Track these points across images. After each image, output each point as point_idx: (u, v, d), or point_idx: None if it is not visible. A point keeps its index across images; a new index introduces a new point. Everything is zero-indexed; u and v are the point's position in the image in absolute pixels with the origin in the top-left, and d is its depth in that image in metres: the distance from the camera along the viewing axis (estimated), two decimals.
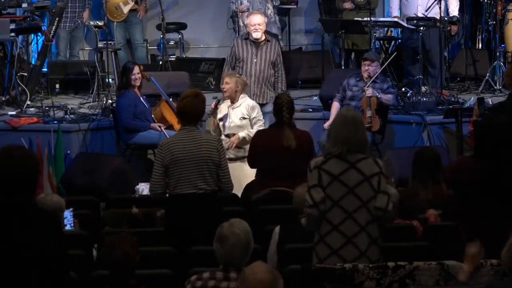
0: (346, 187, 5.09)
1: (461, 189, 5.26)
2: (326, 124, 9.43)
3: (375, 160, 5.18)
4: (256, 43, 9.42)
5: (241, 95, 8.54)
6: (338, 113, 5.37)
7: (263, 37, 9.47)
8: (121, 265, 4.61)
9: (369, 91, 9.17)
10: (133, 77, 9.18)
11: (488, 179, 5.18)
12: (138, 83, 9.23)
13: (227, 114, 8.51)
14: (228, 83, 8.51)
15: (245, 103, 8.51)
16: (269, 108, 8.80)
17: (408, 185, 6.72)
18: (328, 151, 5.15)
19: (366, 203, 5.09)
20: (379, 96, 9.18)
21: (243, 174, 7.99)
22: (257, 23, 9.37)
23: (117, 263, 4.62)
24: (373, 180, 5.10)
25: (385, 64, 9.89)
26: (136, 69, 9.24)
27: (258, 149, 7.41)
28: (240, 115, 8.43)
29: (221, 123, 8.52)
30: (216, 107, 8.52)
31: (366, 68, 9.32)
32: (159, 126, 9.15)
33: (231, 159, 7.97)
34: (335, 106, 9.49)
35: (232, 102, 8.53)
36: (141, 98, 9.30)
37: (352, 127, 5.13)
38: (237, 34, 10.89)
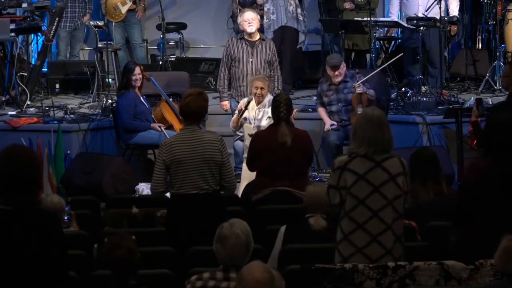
0: (371, 186, 5.10)
1: (479, 191, 5.22)
2: (328, 126, 9.42)
3: (400, 159, 5.19)
4: (251, 42, 9.42)
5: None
6: (363, 114, 5.35)
7: (258, 35, 9.48)
8: (126, 263, 4.61)
9: (359, 88, 9.16)
10: (133, 77, 9.18)
11: (499, 177, 5.17)
12: (138, 84, 9.23)
13: (253, 115, 8.55)
14: (263, 88, 8.57)
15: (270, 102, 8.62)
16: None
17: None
18: (353, 151, 5.15)
19: (391, 201, 5.10)
20: (367, 92, 9.20)
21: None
22: (250, 18, 9.40)
23: (122, 261, 4.60)
24: (398, 179, 5.12)
25: (386, 64, 9.86)
26: (138, 70, 9.24)
27: (258, 149, 7.40)
28: (267, 115, 8.45)
29: (245, 122, 8.55)
30: (246, 108, 8.54)
31: (336, 73, 9.31)
32: (159, 126, 9.15)
33: None
34: (322, 110, 9.52)
35: (258, 103, 8.57)
36: (141, 98, 9.30)
37: (378, 127, 5.14)
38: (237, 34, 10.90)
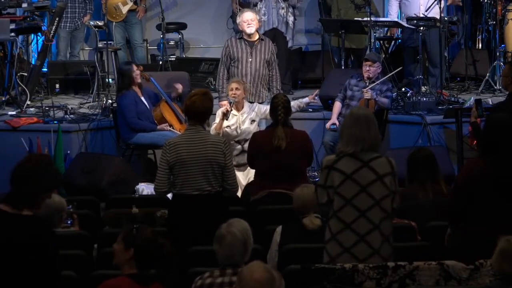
0: (358, 185, 5.11)
1: (473, 191, 5.23)
2: (328, 124, 9.43)
3: (388, 160, 5.20)
4: (250, 42, 9.42)
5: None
6: (350, 113, 5.37)
7: (257, 35, 9.48)
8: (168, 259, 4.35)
9: (368, 94, 9.16)
10: (134, 74, 9.14)
11: (493, 178, 5.18)
12: (139, 80, 9.20)
13: (235, 121, 8.53)
14: (239, 89, 8.57)
15: (251, 107, 8.59)
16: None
17: (405, 186, 6.68)
18: (341, 150, 5.16)
19: (379, 201, 5.11)
20: (376, 99, 9.18)
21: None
22: (249, 19, 9.39)
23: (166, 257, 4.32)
24: (386, 179, 5.13)
25: (388, 76, 9.82)
26: (134, 67, 9.22)
27: (255, 150, 7.40)
28: (249, 119, 8.46)
29: (227, 129, 8.53)
30: (231, 109, 8.53)
31: (367, 68, 9.33)
32: (166, 126, 9.12)
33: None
34: (337, 105, 9.52)
35: (238, 109, 8.56)
36: (142, 98, 9.26)
37: (365, 126, 5.15)
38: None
